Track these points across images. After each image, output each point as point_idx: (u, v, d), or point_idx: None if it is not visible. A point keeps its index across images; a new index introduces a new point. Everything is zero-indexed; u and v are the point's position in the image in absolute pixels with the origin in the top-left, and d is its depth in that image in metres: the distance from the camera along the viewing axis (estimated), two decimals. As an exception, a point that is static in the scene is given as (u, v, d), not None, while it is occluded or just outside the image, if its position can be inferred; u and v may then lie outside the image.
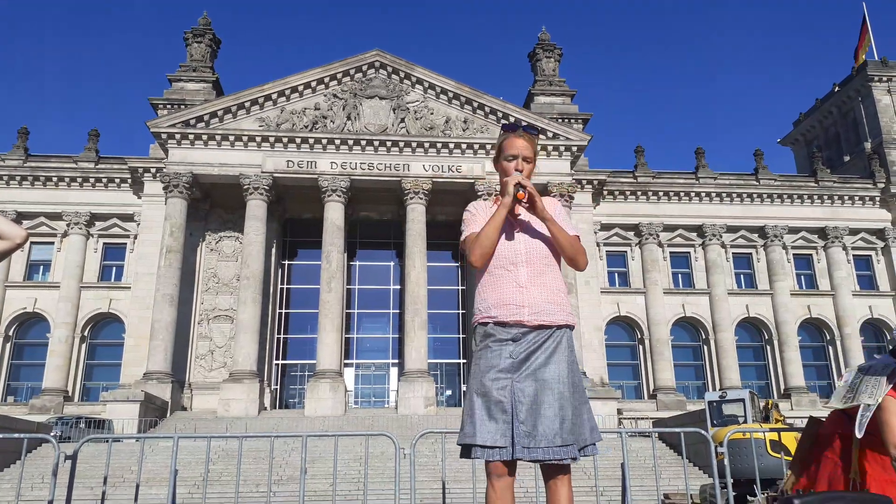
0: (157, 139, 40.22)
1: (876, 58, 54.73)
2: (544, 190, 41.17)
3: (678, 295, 46.34)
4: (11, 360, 42.21)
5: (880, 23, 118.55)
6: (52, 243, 43.18)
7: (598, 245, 45.70)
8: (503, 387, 3.80)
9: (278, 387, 41.84)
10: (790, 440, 18.43)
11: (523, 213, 4.19)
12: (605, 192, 46.35)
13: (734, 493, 12.71)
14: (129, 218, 43.16)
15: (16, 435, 14.33)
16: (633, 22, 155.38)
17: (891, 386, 4.16)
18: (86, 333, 42.04)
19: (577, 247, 4.11)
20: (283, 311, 42.84)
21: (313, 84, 41.39)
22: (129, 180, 43.02)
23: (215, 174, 39.78)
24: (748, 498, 15.53)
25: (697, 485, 20.50)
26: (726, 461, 11.20)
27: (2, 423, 24.30)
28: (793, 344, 45.40)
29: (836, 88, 57.89)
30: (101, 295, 42.20)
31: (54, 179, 43.15)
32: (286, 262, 43.78)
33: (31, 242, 42.59)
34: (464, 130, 41.55)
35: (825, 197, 48.68)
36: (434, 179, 40.16)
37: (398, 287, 43.00)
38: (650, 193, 47.14)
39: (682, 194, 47.46)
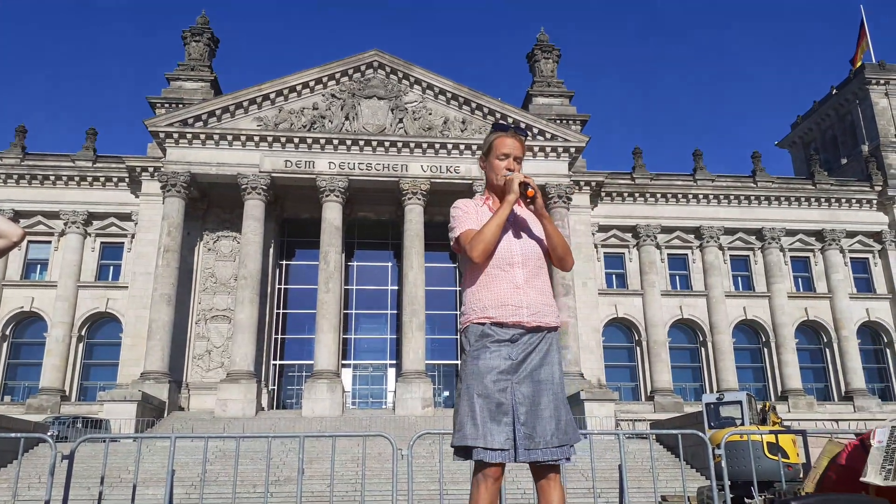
0: (155, 138, 40.17)
1: (874, 61, 54.85)
2: (541, 192, 41.21)
3: (676, 297, 46.37)
4: (8, 359, 42.10)
5: (878, 26, 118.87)
6: (50, 242, 43.09)
7: (595, 246, 45.72)
8: (503, 389, 3.83)
9: (276, 387, 41.79)
10: (787, 443, 18.46)
11: (515, 214, 4.22)
12: (603, 194, 46.39)
13: (731, 495, 12.73)
14: (126, 217, 43.08)
15: (12, 434, 14.29)
16: (631, 23, 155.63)
17: None
18: (83, 333, 41.95)
19: (567, 246, 4.22)
20: (281, 311, 42.79)
21: (311, 84, 41.37)
22: (127, 179, 42.94)
23: (213, 174, 39.74)
24: (745, 500, 15.54)
25: (695, 487, 20.51)
26: (724, 463, 11.22)
27: (-2, 423, 24.23)
28: (790, 346, 45.46)
29: (834, 91, 58.02)
30: (98, 294, 42.11)
31: (52, 178, 43.05)
32: (284, 263, 43.74)
33: (29, 241, 42.50)
34: (462, 131, 41.57)
35: (822, 199, 48.75)
36: (432, 180, 40.16)
37: (396, 288, 42.97)
38: (648, 195, 47.18)
39: (679, 196, 47.51)
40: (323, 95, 41.60)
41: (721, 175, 48.94)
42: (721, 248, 47.52)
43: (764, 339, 46.88)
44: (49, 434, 26.28)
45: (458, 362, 4.19)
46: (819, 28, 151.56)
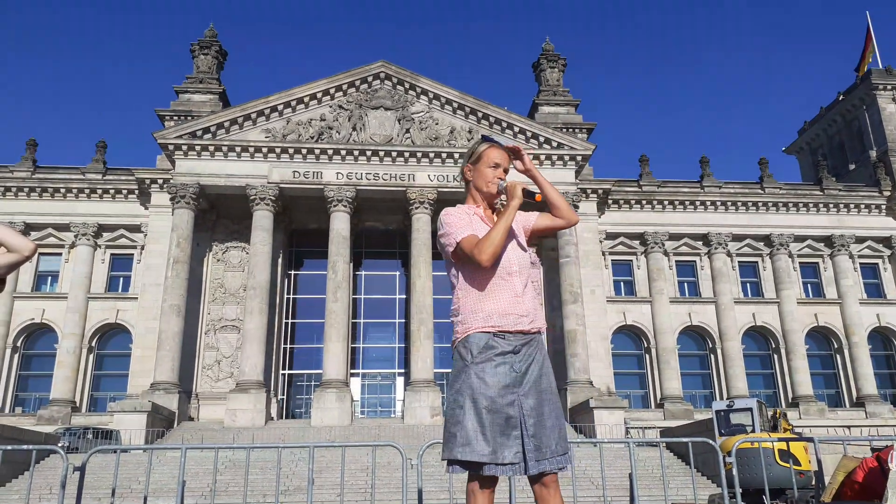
0: (164, 150, 40.47)
1: (880, 66, 54.75)
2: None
3: (684, 304, 46.24)
4: (20, 370, 42.35)
5: (884, 31, 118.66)
6: (60, 254, 43.42)
7: (603, 254, 45.68)
8: (511, 402, 3.84)
9: (285, 397, 41.85)
10: (799, 450, 18.37)
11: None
12: (610, 202, 46.38)
13: (743, 503, 12.68)
14: (136, 229, 43.36)
15: (24, 446, 14.37)
16: (636, 31, 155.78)
17: None
18: (93, 344, 42.17)
19: (565, 201, 4.34)
20: (290, 321, 42.92)
21: (319, 95, 41.64)
22: (137, 191, 43.25)
23: (222, 185, 39.99)
24: (756, 508, 15.45)
25: (706, 494, 20.44)
26: (734, 470, 11.20)
27: (10, 435, 24.39)
28: (800, 353, 45.22)
29: (841, 97, 57.89)
30: (108, 306, 42.36)
31: (62, 191, 43.41)
32: (292, 272, 43.88)
33: (39, 254, 42.81)
34: (468, 140, 41.69)
35: (831, 205, 48.58)
36: (439, 189, 40.27)
37: (404, 297, 43.03)
38: (655, 202, 47.13)
39: (687, 203, 47.44)
40: (330, 106, 41.85)
41: (728, 182, 48.85)
42: (729, 254, 47.39)
43: (774, 346, 46.66)
44: (60, 445, 26.44)
45: (450, 370, 4.16)
46: (825, 34, 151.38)
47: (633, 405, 43.31)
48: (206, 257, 41.81)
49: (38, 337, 43.01)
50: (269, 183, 39.66)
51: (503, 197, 4.24)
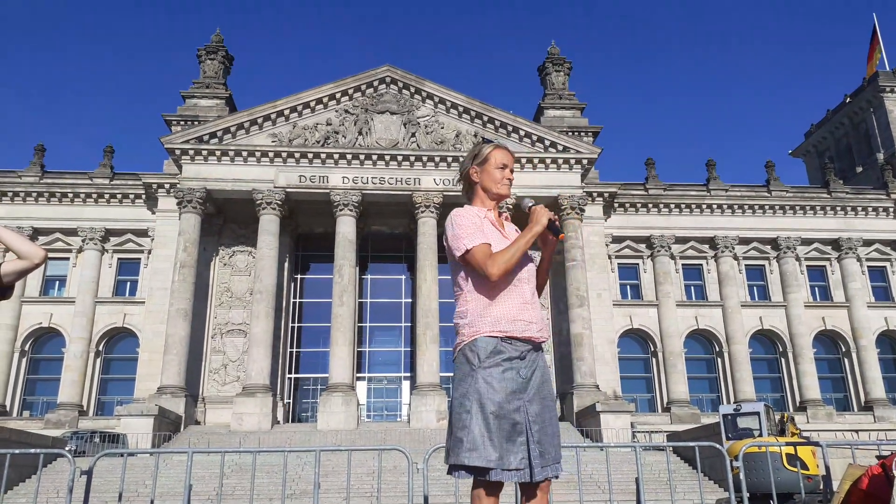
0: (171, 155, 40.64)
1: (887, 68, 54.56)
2: (554, 203, 41.25)
3: (691, 307, 46.09)
4: (27, 374, 42.51)
5: (891, 34, 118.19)
6: (68, 259, 43.59)
7: (609, 258, 45.60)
8: (517, 408, 3.85)
9: (291, 400, 41.90)
10: (806, 454, 18.27)
11: (510, 233, 4.29)
12: (616, 205, 46.31)
13: (750, 508, 12.61)
14: (143, 233, 43.54)
15: (32, 450, 14.44)
16: (642, 34, 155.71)
17: None
18: (100, 348, 42.32)
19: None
20: (296, 324, 42.97)
21: (325, 100, 41.76)
22: (144, 196, 43.44)
23: (228, 189, 40.12)
24: (764, 512, 15.37)
25: (713, 499, 20.35)
26: (742, 475, 11.16)
27: (18, 438, 24.48)
28: (808, 356, 45.00)
29: (848, 99, 57.73)
30: (115, 310, 42.51)
31: (70, 195, 43.61)
32: (298, 277, 43.97)
33: (47, 258, 42.98)
34: (474, 144, 41.67)
35: (838, 208, 48.38)
36: (445, 193, 40.29)
37: (410, 300, 43.05)
38: (661, 206, 47.04)
39: (693, 206, 47.32)
40: (336, 111, 41.96)
41: (735, 185, 48.72)
42: (736, 257, 47.22)
43: (781, 349, 46.45)
44: (67, 449, 26.48)
45: (454, 374, 4.16)
46: (831, 36, 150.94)
47: (639, 409, 43.18)
48: (213, 261, 41.95)
49: (45, 341, 43.18)
50: (275, 187, 39.77)
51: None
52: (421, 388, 37.39)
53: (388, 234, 44.51)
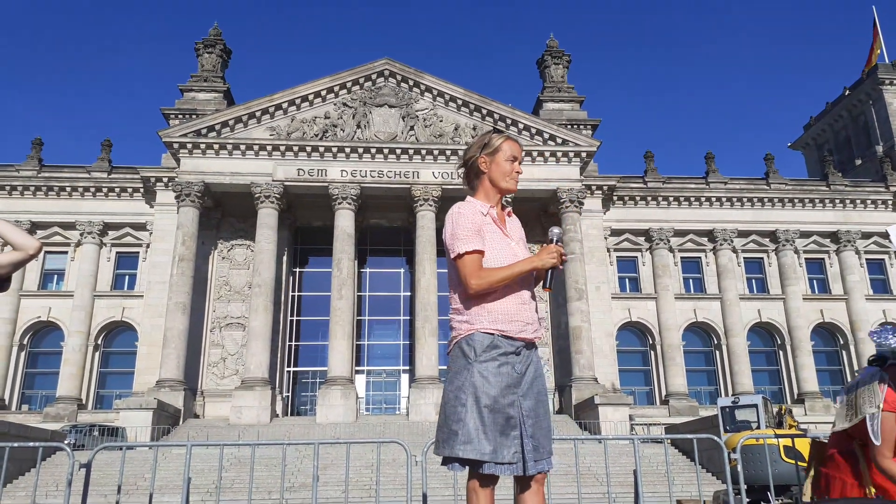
0: (169, 149, 40.56)
1: (887, 61, 54.45)
2: (553, 196, 41.23)
3: (690, 300, 46.13)
4: (26, 368, 42.53)
5: (891, 26, 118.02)
6: (66, 253, 43.56)
7: (608, 251, 45.60)
8: (511, 403, 3.86)
9: (290, 394, 41.94)
10: (804, 446, 18.29)
11: (512, 229, 4.26)
12: (615, 198, 46.29)
13: (748, 500, 12.65)
14: (141, 227, 43.48)
15: (31, 443, 14.45)
16: (641, 27, 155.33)
17: (885, 389, 4.36)
18: (99, 342, 42.33)
19: None
20: (295, 318, 42.99)
21: (323, 93, 41.65)
22: (142, 190, 43.36)
23: (227, 183, 40.05)
24: (762, 504, 15.42)
25: (711, 491, 20.39)
26: (739, 467, 11.16)
27: (17, 432, 24.49)
28: (806, 349, 45.08)
29: (847, 92, 57.64)
30: (114, 303, 42.49)
31: (68, 189, 43.54)
32: (297, 270, 43.95)
33: (45, 252, 42.96)
34: (473, 137, 41.56)
35: (837, 201, 48.38)
36: (443, 186, 40.25)
37: (409, 294, 43.06)
38: (660, 199, 47.01)
39: (692, 199, 47.31)
40: (334, 104, 41.85)
41: (734, 178, 48.68)
42: (735, 250, 47.25)
43: (779, 342, 46.52)
44: (66, 442, 26.53)
45: (447, 368, 4.16)
46: (831, 29, 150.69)
47: (638, 402, 43.24)
48: (212, 255, 41.92)
49: (44, 335, 43.18)
50: (273, 181, 39.70)
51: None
52: (420, 382, 37.45)
53: (387, 227, 44.48)
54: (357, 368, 41.57)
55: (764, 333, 47.10)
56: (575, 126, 44.83)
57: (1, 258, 3.78)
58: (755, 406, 23.06)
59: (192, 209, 39.11)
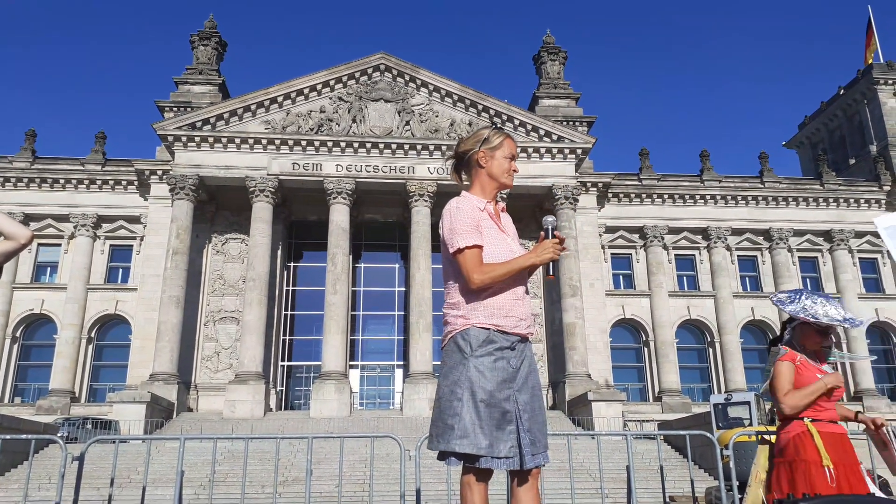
0: (164, 141, 40.40)
1: (882, 60, 54.61)
2: (548, 193, 41.26)
3: (683, 297, 46.28)
4: (19, 361, 42.38)
5: (886, 26, 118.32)
6: (60, 245, 43.39)
7: (602, 247, 45.69)
8: (507, 397, 3.87)
9: (284, 388, 41.93)
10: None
11: (506, 224, 4.27)
12: (610, 195, 46.35)
13: (740, 496, 12.71)
14: (135, 220, 43.33)
15: (23, 436, 14.42)
16: (637, 25, 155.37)
17: (777, 357, 5.41)
18: (92, 335, 42.20)
19: None
20: (289, 312, 42.94)
21: (319, 87, 41.54)
22: (136, 182, 43.19)
23: (221, 176, 39.94)
24: (753, 501, 15.48)
25: (703, 487, 20.46)
26: (732, 463, 11.22)
27: (9, 424, 24.42)
28: (798, 347, 45.21)
29: (842, 91, 57.79)
30: (107, 296, 42.36)
31: (61, 181, 43.33)
32: (292, 265, 43.88)
33: (39, 244, 42.79)
34: (468, 133, 41.57)
35: (831, 200, 48.58)
36: (439, 182, 40.22)
37: (403, 289, 43.06)
38: (655, 196, 47.11)
39: (686, 197, 47.44)
40: (330, 98, 41.75)
41: (728, 176, 48.80)
42: (729, 248, 47.41)
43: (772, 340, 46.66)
44: (59, 435, 26.47)
45: (441, 362, 4.17)
46: (826, 28, 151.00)
47: (631, 398, 43.39)
48: (206, 249, 41.81)
49: (37, 327, 43.03)
50: (268, 175, 39.61)
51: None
52: (414, 377, 37.49)
53: (382, 222, 44.44)
54: (351, 363, 41.56)
55: (757, 331, 47.29)
56: (570, 123, 44.85)
57: (-8, 248, 3.75)
58: (748, 403, 23.10)
59: (187, 202, 39.00)
